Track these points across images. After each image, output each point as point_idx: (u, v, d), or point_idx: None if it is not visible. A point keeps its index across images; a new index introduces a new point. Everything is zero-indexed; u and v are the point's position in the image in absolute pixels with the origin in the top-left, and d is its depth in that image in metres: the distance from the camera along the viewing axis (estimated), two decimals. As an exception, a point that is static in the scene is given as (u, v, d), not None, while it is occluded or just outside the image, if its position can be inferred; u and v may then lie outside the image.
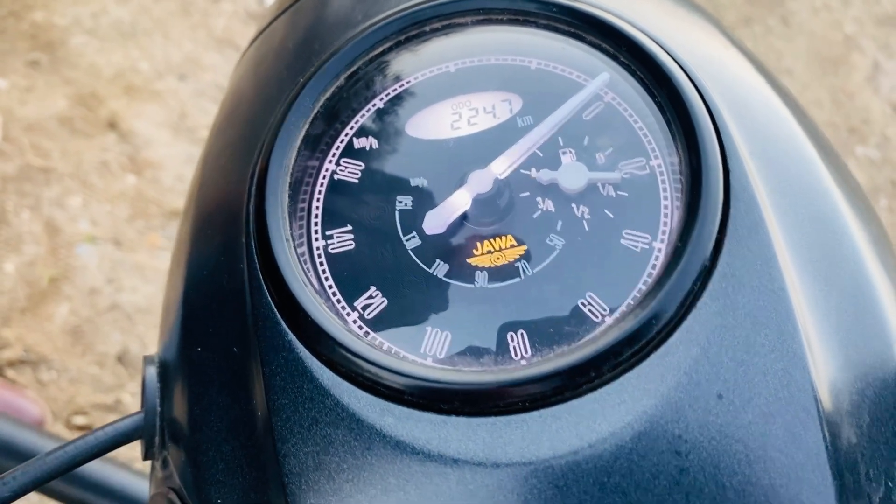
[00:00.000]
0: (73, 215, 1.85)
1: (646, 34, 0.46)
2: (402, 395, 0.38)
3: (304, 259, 0.43)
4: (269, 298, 0.41)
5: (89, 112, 1.97)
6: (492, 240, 0.43)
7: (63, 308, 1.75)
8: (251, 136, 0.49)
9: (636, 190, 0.43)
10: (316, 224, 0.45)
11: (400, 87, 0.48)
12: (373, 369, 0.38)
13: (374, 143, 0.47)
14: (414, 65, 0.49)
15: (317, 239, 0.44)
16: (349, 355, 0.39)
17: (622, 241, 0.42)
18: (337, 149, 0.47)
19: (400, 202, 0.45)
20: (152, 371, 0.47)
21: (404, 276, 0.43)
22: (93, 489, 0.86)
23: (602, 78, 0.46)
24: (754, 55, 0.51)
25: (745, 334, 0.37)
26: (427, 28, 0.48)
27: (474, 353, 0.40)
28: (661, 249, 0.41)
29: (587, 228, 0.43)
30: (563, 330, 0.40)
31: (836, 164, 0.47)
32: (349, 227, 0.44)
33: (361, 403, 0.38)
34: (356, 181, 0.46)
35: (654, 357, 0.37)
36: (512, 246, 0.43)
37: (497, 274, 0.42)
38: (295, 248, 0.43)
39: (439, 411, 0.37)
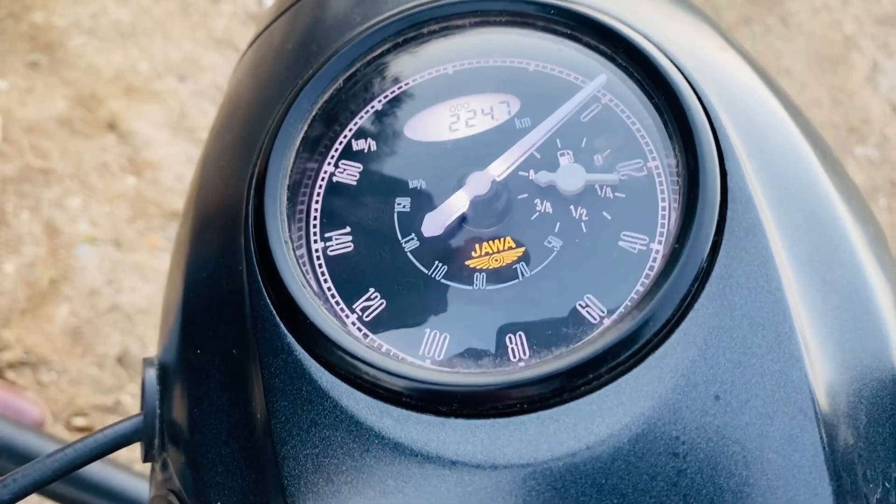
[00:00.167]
0: (72, 216, 1.85)
1: (643, 36, 0.46)
2: (401, 397, 0.38)
3: (303, 261, 0.43)
4: (268, 301, 0.42)
5: (89, 113, 1.97)
6: (490, 242, 0.43)
7: (63, 309, 1.75)
8: (250, 139, 0.49)
9: (634, 192, 0.43)
10: (315, 226, 0.45)
11: (398, 88, 0.48)
12: (371, 371, 0.38)
13: (373, 144, 0.47)
14: (412, 67, 0.49)
15: (315, 241, 0.44)
16: (348, 357, 0.39)
17: (620, 243, 0.42)
18: (336, 151, 0.47)
19: (398, 204, 0.45)
20: (152, 373, 0.47)
21: (403, 277, 0.43)
22: (93, 491, 0.86)
23: (599, 80, 0.46)
24: (752, 56, 0.51)
25: (742, 336, 0.38)
26: (425, 30, 0.48)
27: (473, 354, 0.40)
28: (658, 251, 0.41)
29: (585, 230, 0.43)
30: (561, 332, 0.40)
31: (832, 164, 0.47)
32: (348, 229, 0.45)
33: (360, 405, 0.38)
34: (355, 183, 0.46)
35: (651, 359, 0.37)
36: (510, 248, 0.43)
37: (495, 276, 0.42)
38: (294, 250, 0.43)
39: (438, 413, 0.37)
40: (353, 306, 0.42)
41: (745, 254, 0.39)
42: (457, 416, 0.37)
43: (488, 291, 0.42)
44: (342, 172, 0.46)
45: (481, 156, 0.45)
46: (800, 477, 0.36)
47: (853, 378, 0.39)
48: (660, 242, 0.41)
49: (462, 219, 0.44)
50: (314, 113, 0.47)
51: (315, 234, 0.45)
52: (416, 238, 0.44)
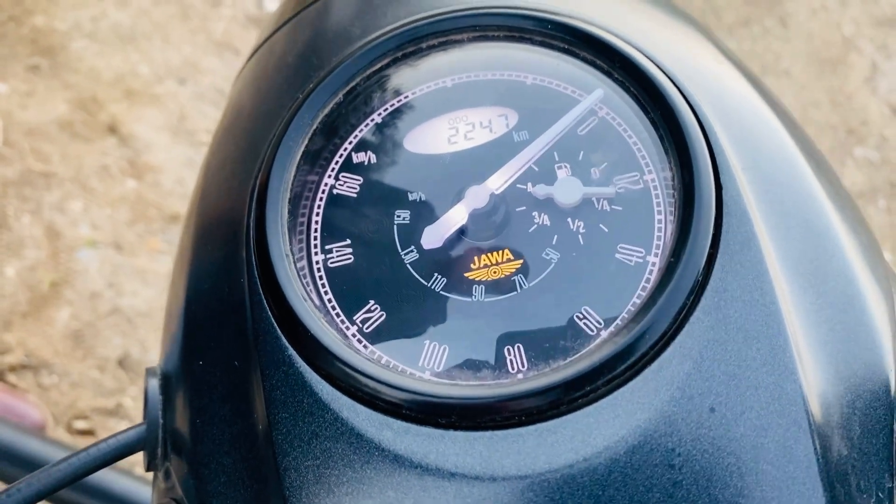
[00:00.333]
0: (73, 219, 1.85)
1: (639, 50, 0.46)
2: (401, 409, 0.38)
3: (304, 273, 0.44)
4: (269, 313, 0.42)
5: (89, 116, 1.98)
6: (489, 254, 0.44)
7: (64, 312, 1.76)
8: (251, 151, 0.49)
9: (630, 204, 0.44)
10: (315, 238, 0.45)
11: (398, 102, 0.49)
12: (371, 384, 0.39)
13: (373, 157, 0.48)
14: (411, 80, 0.49)
15: (316, 253, 0.45)
16: (348, 370, 0.39)
17: (617, 255, 0.42)
18: (336, 164, 0.48)
19: (398, 216, 0.45)
20: (154, 383, 0.48)
21: (403, 289, 0.43)
22: (94, 495, 0.87)
23: (596, 94, 0.46)
24: (747, 67, 0.52)
25: (737, 348, 0.38)
26: (424, 45, 0.49)
27: (472, 366, 0.41)
28: (654, 263, 0.42)
29: (582, 242, 0.43)
30: (558, 344, 0.40)
31: (827, 175, 0.48)
32: (348, 242, 0.45)
33: (360, 418, 0.39)
34: (355, 196, 0.47)
35: (647, 371, 0.38)
36: (508, 260, 0.43)
37: (494, 288, 0.43)
38: (294, 262, 0.44)
39: (437, 425, 0.38)
40: (354, 318, 0.43)
41: (740, 267, 0.40)
42: (456, 428, 0.38)
43: (487, 303, 0.42)
44: (342, 185, 0.47)
45: (480, 169, 0.46)
46: (794, 488, 0.36)
47: (847, 389, 0.39)
48: (656, 255, 0.42)
49: (461, 231, 0.44)
50: (314, 127, 0.47)
51: (315, 246, 0.45)
52: (415, 250, 0.44)
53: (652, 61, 0.46)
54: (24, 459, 0.88)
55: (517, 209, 0.45)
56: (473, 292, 0.43)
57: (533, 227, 0.44)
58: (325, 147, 0.48)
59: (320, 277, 0.44)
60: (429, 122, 0.48)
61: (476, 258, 0.44)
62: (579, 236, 0.43)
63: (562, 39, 0.48)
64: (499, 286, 0.43)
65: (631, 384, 0.38)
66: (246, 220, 0.46)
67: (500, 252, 0.44)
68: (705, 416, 0.37)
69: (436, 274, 0.43)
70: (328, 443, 0.39)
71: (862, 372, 0.40)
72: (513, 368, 0.40)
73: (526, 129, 0.47)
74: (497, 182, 0.45)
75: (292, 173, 0.46)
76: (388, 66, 0.49)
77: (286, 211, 0.45)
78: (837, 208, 0.45)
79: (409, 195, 0.46)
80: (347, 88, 0.48)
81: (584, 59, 0.47)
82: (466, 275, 0.43)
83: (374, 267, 0.44)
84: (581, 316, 0.41)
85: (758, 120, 0.47)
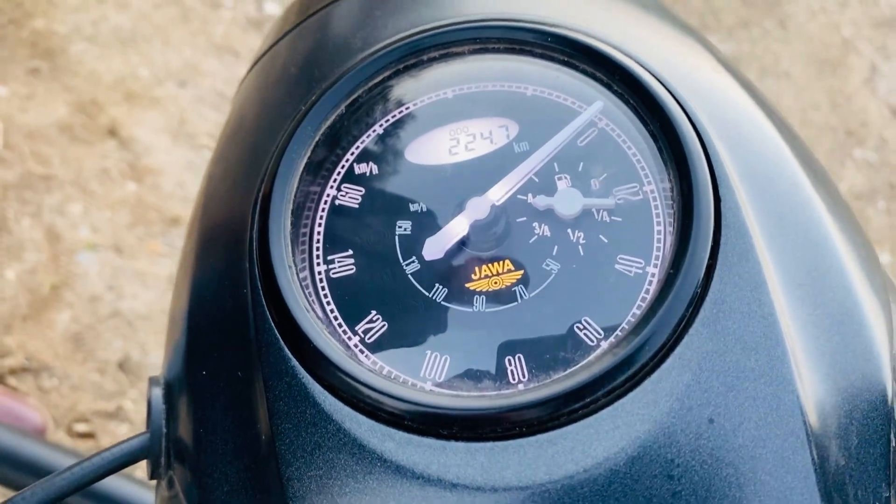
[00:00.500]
0: (73, 222, 1.85)
1: (638, 62, 0.47)
2: (403, 420, 0.39)
3: (307, 284, 0.44)
4: (272, 324, 0.42)
5: (89, 119, 1.98)
6: (490, 264, 0.44)
7: (64, 315, 1.76)
8: (254, 162, 0.50)
9: (630, 215, 0.44)
10: (318, 249, 0.46)
11: (399, 113, 0.49)
12: (373, 395, 0.39)
13: (375, 168, 0.48)
14: (412, 92, 0.50)
15: (318, 264, 0.45)
16: (350, 381, 0.40)
17: (616, 266, 0.43)
18: (338, 174, 0.48)
19: (400, 227, 0.46)
20: (158, 392, 0.48)
21: (404, 300, 0.44)
22: (97, 499, 0.87)
23: (596, 106, 0.47)
24: (746, 78, 0.52)
25: (735, 360, 0.39)
26: (425, 57, 0.49)
27: (473, 376, 0.41)
28: (654, 274, 0.42)
29: (582, 253, 0.44)
30: (559, 354, 0.41)
31: (825, 186, 0.48)
32: (350, 252, 0.45)
33: (363, 428, 0.39)
34: (357, 206, 0.47)
35: (647, 383, 0.38)
36: (509, 270, 0.44)
37: (495, 298, 0.43)
38: (297, 273, 0.44)
39: (439, 436, 0.38)
40: (356, 328, 0.43)
41: (739, 279, 0.40)
42: (457, 439, 0.38)
43: (488, 314, 0.43)
44: (344, 196, 0.47)
45: (481, 179, 0.46)
46: (792, 498, 0.37)
47: (844, 399, 0.40)
48: (655, 266, 0.42)
49: (462, 242, 0.45)
50: (317, 138, 0.48)
51: (318, 256, 0.46)
52: (416, 261, 0.44)
53: (650, 73, 0.46)
54: (25, 464, 0.88)
55: (518, 220, 0.45)
56: (474, 303, 0.43)
57: (533, 238, 0.44)
58: (328, 158, 0.48)
59: (322, 288, 0.45)
60: (430, 133, 0.48)
61: (477, 269, 0.44)
62: (579, 247, 0.44)
63: (561, 52, 0.48)
64: (500, 297, 0.43)
65: (630, 395, 0.38)
66: (249, 230, 0.46)
67: (501, 263, 0.44)
68: (704, 427, 0.37)
69: (437, 284, 0.44)
70: (331, 453, 0.39)
71: (859, 382, 0.40)
72: (514, 379, 0.41)
73: (526, 141, 0.47)
74: (498, 193, 0.45)
75: (295, 185, 0.46)
76: (389, 77, 0.50)
77: (289, 222, 0.45)
78: (835, 219, 0.45)
79: (411, 206, 0.46)
80: (349, 100, 0.49)
81: (584, 71, 0.48)
82: (467, 285, 0.44)
83: (376, 277, 0.44)
84: (581, 326, 0.41)
85: (756, 130, 0.47)
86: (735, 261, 0.41)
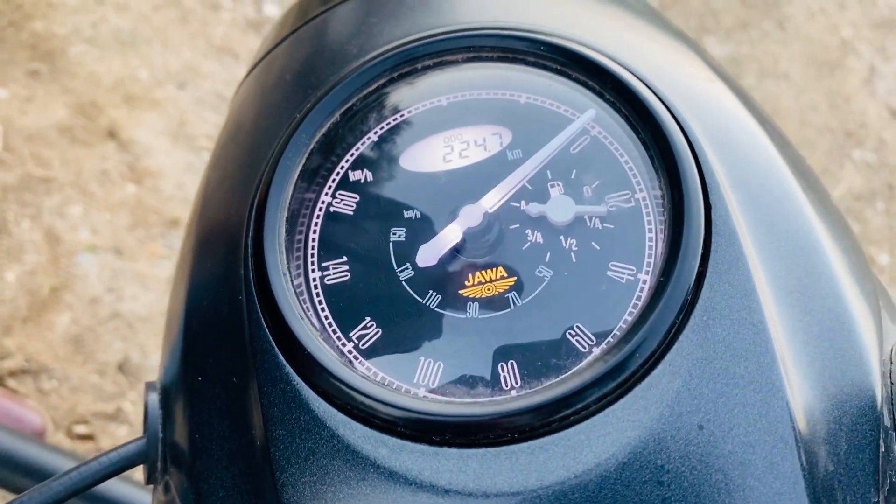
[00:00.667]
0: (73, 224, 1.86)
1: (630, 71, 0.47)
2: (395, 427, 0.39)
3: (301, 290, 0.45)
4: (267, 331, 0.43)
5: (89, 121, 1.99)
6: (483, 271, 0.44)
7: (64, 317, 1.77)
8: (250, 168, 0.50)
9: (622, 222, 0.44)
10: (312, 256, 0.46)
11: (394, 120, 0.50)
12: (366, 402, 0.40)
13: (369, 175, 0.48)
14: (407, 99, 0.50)
15: (313, 270, 0.46)
16: (343, 388, 0.40)
17: (608, 273, 0.43)
18: (333, 181, 0.48)
19: (394, 234, 0.46)
20: (154, 398, 0.48)
21: (398, 306, 0.44)
22: (94, 501, 0.88)
23: (588, 114, 0.47)
24: (739, 85, 0.53)
25: (725, 366, 0.39)
26: (419, 65, 0.50)
27: (466, 382, 0.41)
28: (645, 281, 0.43)
29: (575, 260, 0.44)
30: (551, 361, 0.41)
31: (816, 192, 0.48)
32: (344, 259, 0.46)
33: (356, 435, 0.39)
34: (351, 213, 0.47)
35: (638, 389, 0.38)
36: (502, 277, 0.44)
37: (488, 305, 0.43)
38: (292, 280, 0.44)
39: (431, 443, 0.39)
40: (350, 335, 0.44)
41: (729, 286, 0.41)
42: (450, 445, 0.38)
43: (481, 320, 0.43)
44: (339, 203, 0.48)
45: (474, 186, 0.46)
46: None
47: (834, 406, 0.40)
48: (647, 273, 0.43)
49: (456, 249, 0.45)
50: (312, 146, 0.48)
51: (313, 263, 0.46)
52: (410, 267, 0.45)
53: (642, 82, 0.46)
54: (24, 466, 0.88)
55: (511, 227, 0.45)
56: (468, 309, 0.43)
57: (526, 245, 0.45)
58: (323, 165, 0.49)
59: (317, 294, 0.45)
60: (424, 141, 0.49)
61: (470, 275, 0.44)
62: (572, 254, 0.44)
63: (554, 60, 0.48)
64: (493, 303, 0.43)
65: (621, 402, 0.38)
66: (244, 237, 0.46)
67: (495, 269, 0.44)
68: (694, 434, 0.38)
69: (431, 291, 0.44)
70: (325, 459, 0.39)
71: (848, 388, 0.41)
72: (506, 385, 0.41)
73: (520, 148, 0.47)
74: (491, 201, 0.45)
75: (290, 192, 0.47)
76: (384, 85, 0.50)
77: (283, 229, 0.46)
78: (826, 225, 0.46)
79: (405, 213, 0.47)
80: (344, 108, 0.49)
81: (577, 80, 0.48)
82: (461, 292, 0.44)
83: (370, 284, 0.45)
84: (573, 333, 0.42)
85: (747, 138, 0.47)
86: (725, 268, 0.41)
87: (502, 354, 0.42)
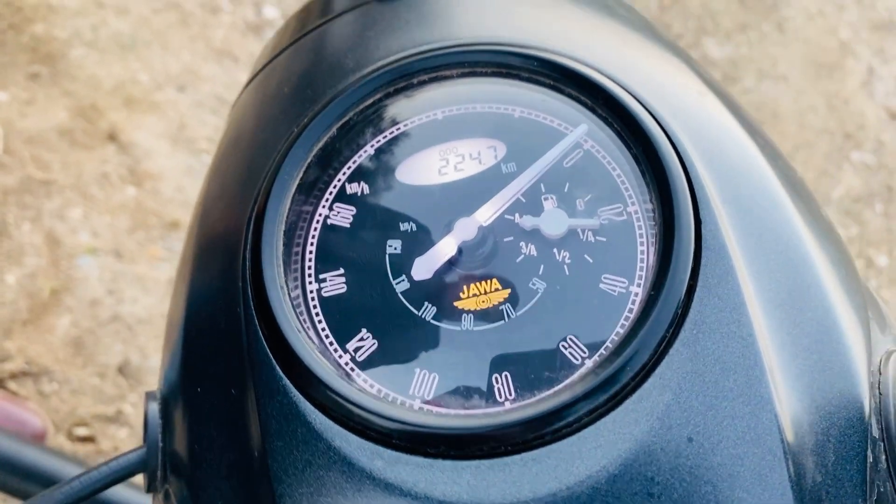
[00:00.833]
0: (73, 227, 1.87)
1: (622, 86, 0.48)
2: (391, 439, 0.40)
3: (298, 303, 0.45)
4: (265, 343, 0.43)
5: (89, 124, 1.99)
6: (478, 283, 0.45)
7: (64, 319, 1.77)
8: (248, 181, 0.51)
9: (614, 235, 0.45)
10: (310, 268, 0.47)
11: (390, 134, 0.50)
12: (362, 414, 0.40)
13: (366, 188, 0.49)
14: (403, 113, 0.51)
15: (310, 282, 0.46)
16: (340, 400, 0.41)
17: (601, 286, 0.44)
18: (330, 194, 0.49)
19: (390, 246, 0.47)
20: (154, 407, 0.49)
21: (394, 318, 0.45)
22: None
23: (581, 128, 0.48)
24: (731, 98, 0.53)
25: (714, 380, 0.40)
26: (415, 80, 0.50)
27: (461, 394, 0.42)
28: (637, 293, 0.43)
29: (568, 273, 0.45)
30: (544, 373, 0.42)
31: (807, 205, 0.49)
32: (341, 271, 0.46)
33: (353, 447, 0.40)
34: (348, 226, 0.48)
35: (628, 402, 0.39)
36: (497, 289, 0.45)
37: (482, 317, 0.44)
38: (289, 292, 0.45)
39: (426, 455, 0.39)
40: (347, 346, 0.44)
41: (718, 300, 0.41)
42: (444, 457, 0.39)
43: (476, 332, 0.44)
44: (336, 215, 0.48)
45: (469, 199, 0.47)
46: None
47: (822, 417, 0.41)
48: (638, 285, 0.43)
49: (451, 262, 0.46)
50: (309, 160, 0.49)
51: (310, 275, 0.46)
52: (406, 279, 0.45)
53: (634, 97, 0.47)
54: (25, 470, 0.89)
55: (505, 240, 0.46)
56: (462, 321, 0.44)
57: (520, 258, 0.45)
58: (320, 178, 0.49)
59: (314, 306, 0.45)
60: (420, 154, 0.49)
61: (465, 287, 0.45)
62: (565, 266, 0.45)
63: (547, 76, 0.49)
64: (487, 315, 0.44)
65: (612, 415, 0.39)
66: (242, 250, 0.47)
67: (489, 281, 0.45)
68: (684, 446, 0.38)
69: (426, 303, 0.45)
70: (321, 471, 0.40)
71: (837, 400, 0.41)
72: (500, 397, 0.42)
73: (514, 161, 0.48)
74: (485, 214, 0.46)
75: (287, 205, 0.47)
76: (380, 100, 0.51)
77: (281, 242, 0.46)
78: (816, 239, 0.46)
79: (401, 225, 0.47)
80: (341, 122, 0.50)
81: (570, 95, 0.49)
82: (456, 304, 0.45)
83: (367, 296, 0.45)
84: (566, 345, 0.42)
85: (738, 151, 0.48)
86: (715, 282, 0.42)
87: (496, 366, 0.42)
